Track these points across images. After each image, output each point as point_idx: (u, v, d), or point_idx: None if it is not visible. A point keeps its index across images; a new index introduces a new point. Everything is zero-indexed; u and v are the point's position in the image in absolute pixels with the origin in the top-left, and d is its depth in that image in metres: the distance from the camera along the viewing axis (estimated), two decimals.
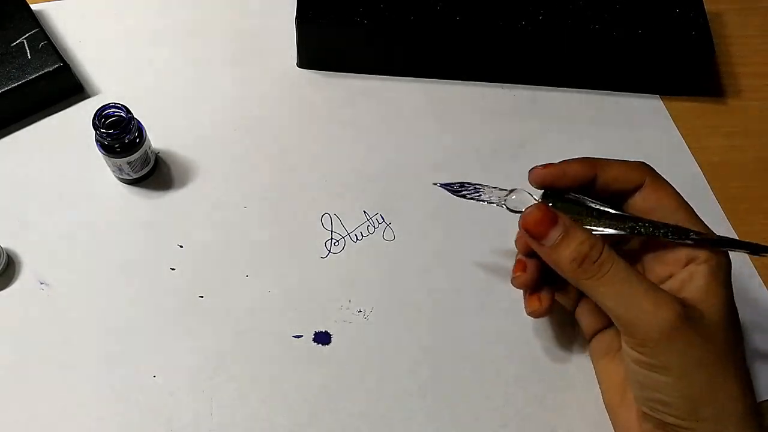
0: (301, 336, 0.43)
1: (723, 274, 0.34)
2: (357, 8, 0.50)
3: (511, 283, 0.40)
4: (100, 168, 0.47)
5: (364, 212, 0.48)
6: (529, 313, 0.40)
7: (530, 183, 0.38)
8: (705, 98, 0.57)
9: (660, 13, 0.52)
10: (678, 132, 0.54)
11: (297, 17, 0.50)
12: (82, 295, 0.43)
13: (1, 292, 0.43)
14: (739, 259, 0.49)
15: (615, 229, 0.35)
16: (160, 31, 0.55)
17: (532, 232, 0.35)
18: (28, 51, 0.48)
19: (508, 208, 0.39)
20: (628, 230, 0.35)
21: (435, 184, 0.41)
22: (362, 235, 0.47)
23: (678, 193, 0.36)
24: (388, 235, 0.48)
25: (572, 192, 0.37)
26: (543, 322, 0.44)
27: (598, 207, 0.36)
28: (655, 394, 0.34)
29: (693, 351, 0.32)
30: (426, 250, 0.47)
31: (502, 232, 0.48)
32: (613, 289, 0.33)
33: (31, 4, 0.52)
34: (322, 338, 0.43)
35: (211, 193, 0.48)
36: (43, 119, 0.50)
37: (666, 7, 0.52)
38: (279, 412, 0.41)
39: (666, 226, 0.34)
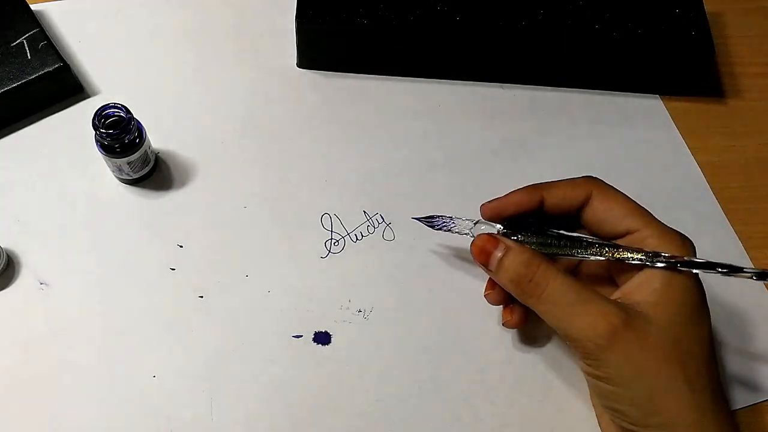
0: (301, 336, 0.43)
1: (680, 277, 0.34)
2: (357, 8, 0.50)
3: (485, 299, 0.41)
4: (100, 168, 0.48)
5: (364, 212, 0.48)
6: (503, 325, 0.41)
7: (482, 217, 0.40)
8: (705, 98, 0.57)
9: (660, 13, 0.52)
10: (678, 132, 0.54)
11: (297, 17, 0.50)
12: (82, 295, 0.43)
13: (1, 292, 0.43)
14: (739, 259, 0.49)
15: (576, 255, 0.36)
16: (161, 31, 0.55)
17: (478, 259, 0.37)
18: (28, 51, 0.48)
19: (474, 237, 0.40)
20: (591, 255, 0.35)
21: (413, 218, 0.44)
22: (362, 235, 0.47)
23: (628, 199, 0.37)
24: (388, 235, 0.48)
25: (532, 219, 0.38)
26: (543, 322, 0.44)
27: (557, 234, 0.37)
28: (609, 403, 0.34)
29: (634, 360, 0.32)
30: (426, 250, 0.47)
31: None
32: (551, 306, 0.34)
33: (31, 4, 0.52)
34: (322, 338, 0.43)
35: (211, 193, 0.48)
36: (43, 119, 0.50)
37: (666, 7, 0.52)
38: (279, 412, 0.41)
39: (629, 249, 0.34)
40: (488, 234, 0.38)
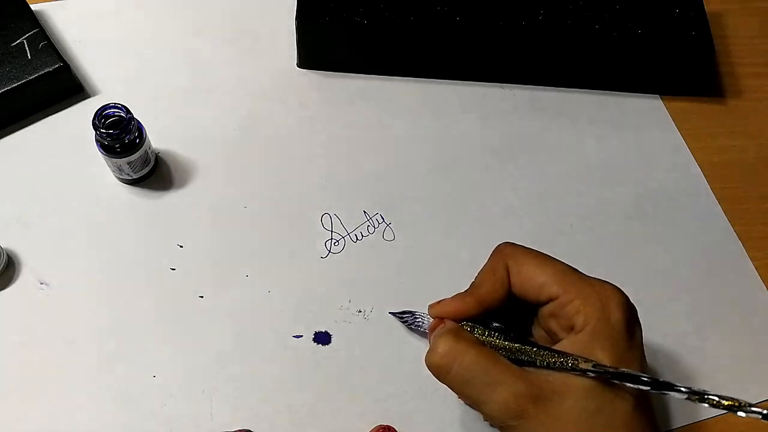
0: (301, 336, 0.43)
1: (604, 337, 0.32)
2: (357, 8, 0.50)
3: None
4: (100, 168, 0.47)
5: (364, 212, 0.48)
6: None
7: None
8: (705, 98, 0.57)
9: (660, 13, 0.52)
10: (678, 132, 0.54)
11: (297, 17, 0.50)
12: (82, 295, 0.43)
13: (1, 292, 0.43)
14: (739, 259, 0.49)
15: (520, 357, 0.34)
16: (160, 31, 0.55)
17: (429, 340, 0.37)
18: (28, 51, 0.48)
19: None
20: (531, 357, 0.34)
21: (390, 312, 0.44)
22: (362, 235, 0.47)
23: (542, 262, 0.35)
24: (388, 235, 0.48)
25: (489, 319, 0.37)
26: None
27: (502, 334, 0.36)
28: None
29: None
30: (426, 250, 0.47)
31: (501, 233, 0.48)
32: (461, 386, 0.33)
33: (31, 4, 0.52)
34: (322, 338, 0.43)
35: (211, 193, 0.48)
36: (43, 119, 0.50)
37: (666, 7, 0.52)
38: (279, 412, 0.41)
39: (565, 355, 0.32)
40: (439, 318, 0.37)
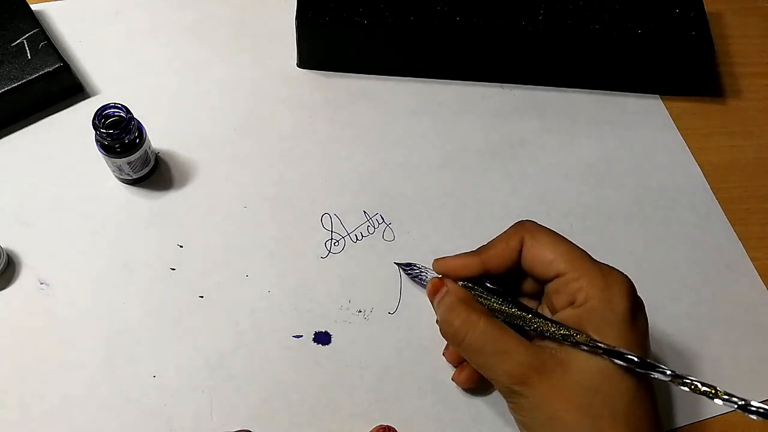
0: (301, 336, 0.43)
1: (605, 319, 0.33)
2: (357, 8, 0.50)
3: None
4: (100, 168, 0.47)
5: (364, 212, 0.48)
6: (453, 380, 0.42)
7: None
8: (705, 98, 0.57)
9: (660, 13, 0.52)
10: (678, 132, 0.54)
11: (297, 17, 0.50)
12: (82, 295, 0.43)
13: (1, 292, 0.43)
14: (739, 259, 0.49)
15: (516, 321, 0.36)
16: (160, 31, 0.55)
17: (430, 300, 0.39)
18: (28, 51, 0.48)
19: None
20: (526, 324, 0.35)
21: (395, 263, 0.46)
22: (362, 235, 0.47)
23: (557, 241, 0.36)
24: (388, 235, 0.48)
25: (489, 280, 0.38)
26: None
27: (505, 299, 0.37)
28: None
29: (545, 407, 0.33)
30: (426, 250, 0.47)
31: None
32: (471, 353, 0.35)
33: (31, 4, 0.52)
34: (322, 338, 0.43)
35: (211, 193, 0.48)
36: (43, 119, 0.50)
37: (666, 7, 0.52)
38: (279, 412, 0.41)
39: (557, 324, 0.34)
40: (439, 278, 0.39)
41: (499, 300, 0.37)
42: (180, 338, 0.42)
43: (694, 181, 0.52)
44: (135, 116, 0.44)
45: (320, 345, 0.43)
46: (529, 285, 0.39)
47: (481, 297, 0.37)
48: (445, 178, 0.50)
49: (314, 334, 0.43)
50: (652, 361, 0.32)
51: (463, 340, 0.35)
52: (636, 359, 0.31)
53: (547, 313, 0.37)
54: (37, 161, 0.48)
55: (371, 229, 0.48)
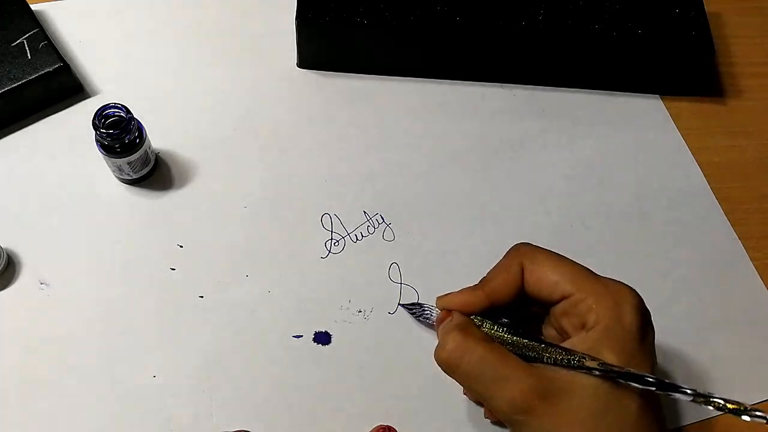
0: (301, 336, 0.43)
1: (616, 338, 0.32)
2: (357, 8, 0.50)
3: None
4: (100, 168, 0.47)
5: (364, 212, 0.48)
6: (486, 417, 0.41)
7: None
8: (705, 98, 0.57)
9: (660, 13, 0.52)
10: (678, 132, 0.54)
11: (297, 17, 0.50)
12: (82, 295, 0.43)
13: (1, 292, 0.43)
14: (739, 259, 0.49)
15: (528, 354, 0.35)
16: (160, 31, 0.55)
17: (437, 333, 0.38)
18: (28, 51, 0.48)
19: None
20: (538, 354, 0.34)
21: (400, 304, 0.45)
22: (362, 235, 0.47)
23: (558, 262, 0.35)
24: (388, 235, 0.48)
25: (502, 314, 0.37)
26: None
27: (510, 329, 0.36)
28: None
29: (542, 428, 0.31)
30: (426, 250, 0.47)
31: (501, 233, 0.48)
32: (470, 381, 0.34)
33: (31, 4, 0.52)
34: (322, 338, 0.43)
35: (211, 193, 0.48)
36: (43, 119, 0.50)
37: (666, 7, 0.52)
38: (279, 412, 0.41)
39: (572, 353, 0.33)
40: (446, 310, 0.38)
41: (509, 331, 0.36)
42: (180, 338, 0.42)
43: (694, 181, 0.52)
44: (135, 116, 0.44)
45: (320, 345, 0.43)
46: (534, 308, 0.37)
47: (491, 330, 0.36)
48: (445, 178, 0.50)
49: (314, 334, 0.43)
50: (672, 382, 0.31)
51: (459, 365, 0.34)
52: (656, 381, 0.31)
53: (553, 335, 0.36)
54: (37, 161, 0.48)
55: (371, 229, 0.48)
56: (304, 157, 0.50)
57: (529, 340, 0.35)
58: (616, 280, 0.34)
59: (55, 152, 0.49)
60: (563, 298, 0.34)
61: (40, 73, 0.48)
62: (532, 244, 0.37)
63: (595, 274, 0.35)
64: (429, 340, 0.43)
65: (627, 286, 0.34)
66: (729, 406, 0.29)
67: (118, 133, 0.43)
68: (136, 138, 0.44)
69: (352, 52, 0.54)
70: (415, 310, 0.43)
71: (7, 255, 0.44)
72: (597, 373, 0.31)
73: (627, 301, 0.33)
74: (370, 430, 0.40)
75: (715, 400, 0.30)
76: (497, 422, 0.41)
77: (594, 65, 0.54)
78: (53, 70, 0.48)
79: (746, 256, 0.49)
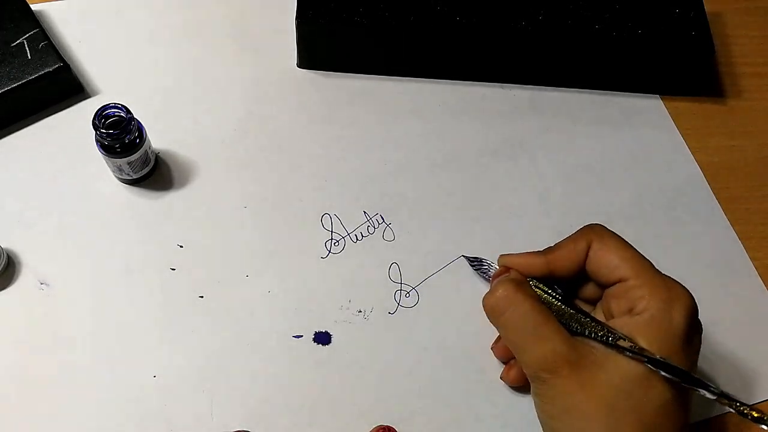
0: (301, 336, 0.43)
1: (661, 332, 0.33)
2: (357, 8, 0.50)
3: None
4: (100, 168, 0.47)
5: (364, 212, 0.48)
6: (501, 378, 0.42)
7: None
8: (705, 98, 0.57)
9: (660, 13, 0.52)
10: (678, 132, 0.54)
11: (297, 17, 0.50)
12: (82, 295, 0.43)
13: (1, 292, 0.43)
14: (739, 259, 0.49)
15: (572, 327, 0.36)
16: (161, 31, 0.55)
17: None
18: (28, 51, 0.48)
19: None
20: (581, 326, 0.35)
21: (463, 256, 0.46)
22: (362, 235, 0.47)
23: (624, 247, 0.36)
24: (388, 235, 0.48)
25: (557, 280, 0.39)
26: None
27: (560, 301, 0.37)
28: (544, 427, 0.36)
29: (570, 398, 0.33)
30: (426, 250, 0.47)
31: (502, 233, 0.48)
32: (508, 332, 0.36)
33: (31, 4, 0.52)
34: (322, 338, 0.43)
35: (211, 193, 0.48)
36: (43, 119, 0.50)
37: (666, 7, 0.52)
38: (279, 412, 0.41)
39: (611, 331, 0.34)
40: (505, 266, 0.40)
41: (558, 300, 0.37)
42: (180, 338, 0.42)
43: (694, 181, 0.52)
44: (135, 116, 0.44)
45: (320, 345, 0.43)
46: (589, 290, 0.39)
47: (543, 294, 0.37)
48: (445, 178, 0.50)
49: (314, 334, 0.43)
50: (700, 378, 0.32)
51: (503, 313, 0.35)
52: (683, 373, 0.31)
53: (601, 317, 0.37)
54: (37, 161, 0.48)
55: (371, 229, 0.48)
56: (304, 157, 0.50)
57: (576, 311, 0.36)
58: (676, 280, 0.35)
59: (55, 152, 0.49)
60: (619, 281, 0.35)
61: (40, 73, 0.48)
62: (605, 227, 0.38)
63: (657, 269, 0.36)
64: (429, 340, 0.43)
65: (685, 288, 0.35)
66: (754, 414, 0.30)
67: (118, 133, 0.43)
68: (136, 138, 0.44)
69: (352, 52, 0.54)
70: (476, 263, 0.45)
71: (7, 255, 0.44)
72: (629, 354, 0.32)
73: (680, 300, 0.34)
74: (370, 430, 0.40)
75: (739, 404, 0.30)
76: (515, 387, 0.42)
77: (594, 65, 0.54)
78: (53, 70, 0.48)
79: (746, 256, 0.49)
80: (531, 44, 0.51)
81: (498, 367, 0.43)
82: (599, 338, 0.34)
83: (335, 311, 0.44)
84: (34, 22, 0.50)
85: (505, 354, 0.42)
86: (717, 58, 0.58)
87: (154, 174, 0.48)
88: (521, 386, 0.42)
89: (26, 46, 0.49)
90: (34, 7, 0.52)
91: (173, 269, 0.45)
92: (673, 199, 0.51)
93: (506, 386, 0.42)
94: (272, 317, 0.44)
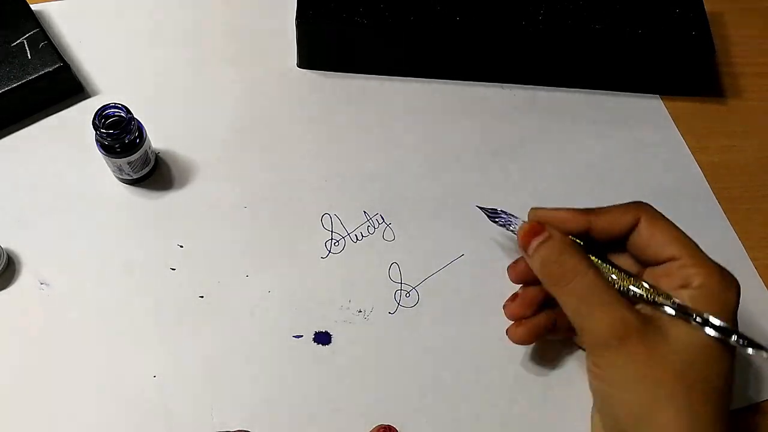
0: (301, 336, 0.43)
1: (717, 304, 0.33)
2: (357, 8, 0.50)
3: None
4: (100, 168, 0.47)
5: (364, 212, 0.48)
6: (507, 332, 0.41)
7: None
8: (705, 98, 0.57)
9: (660, 13, 0.52)
10: (678, 132, 0.54)
11: (297, 17, 0.50)
12: (82, 295, 0.43)
13: (1, 292, 0.43)
14: (739, 259, 0.49)
15: (616, 284, 0.36)
16: (160, 31, 0.55)
17: (521, 241, 0.38)
18: (28, 51, 0.48)
19: None
20: (629, 285, 0.36)
21: (478, 206, 0.44)
22: (362, 235, 0.47)
23: (675, 227, 0.36)
24: (388, 235, 0.48)
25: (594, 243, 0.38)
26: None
27: (602, 258, 0.37)
28: (605, 407, 0.35)
29: (638, 366, 0.33)
30: (427, 250, 0.47)
31: (502, 233, 0.48)
32: (573, 299, 0.35)
33: (31, 4, 0.52)
34: (322, 338, 0.43)
35: (211, 193, 0.48)
36: (43, 119, 0.50)
37: (666, 7, 0.52)
38: (279, 412, 0.41)
39: (665, 294, 0.34)
40: (538, 222, 0.38)
41: (606, 262, 0.36)
42: (180, 338, 0.42)
43: (694, 181, 0.52)
44: (135, 116, 0.44)
45: (320, 345, 0.43)
46: (621, 263, 0.38)
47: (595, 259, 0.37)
48: (445, 178, 0.50)
49: (314, 334, 0.43)
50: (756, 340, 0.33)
51: (570, 282, 0.35)
52: (750, 339, 0.32)
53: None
54: (37, 161, 0.48)
55: (371, 229, 0.48)
56: (304, 157, 0.50)
57: (625, 273, 0.36)
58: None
59: (55, 152, 0.49)
60: (671, 259, 0.35)
61: (40, 73, 0.48)
62: (654, 207, 0.38)
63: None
64: (429, 339, 0.43)
65: (732, 275, 0.35)
66: None
67: (118, 133, 0.43)
68: (136, 138, 0.44)
69: (352, 52, 0.54)
70: (493, 214, 0.43)
71: (7, 255, 0.44)
72: (695, 321, 0.32)
73: (734, 282, 0.34)
74: (370, 430, 0.40)
75: None
76: (516, 388, 0.42)
77: (594, 65, 0.54)
78: (53, 70, 0.48)
79: (746, 256, 0.49)
80: (531, 44, 0.51)
81: (499, 368, 0.43)
82: (664, 304, 0.34)
83: (335, 311, 0.44)
84: (34, 22, 0.50)
85: (518, 312, 0.40)
86: (717, 58, 0.58)
87: (154, 174, 0.48)
88: (520, 385, 0.42)
89: (26, 46, 0.49)
90: (34, 7, 0.52)
91: (173, 269, 0.45)
92: (673, 199, 0.51)
93: (505, 386, 0.42)
94: (272, 317, 0.44)
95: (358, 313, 0.44)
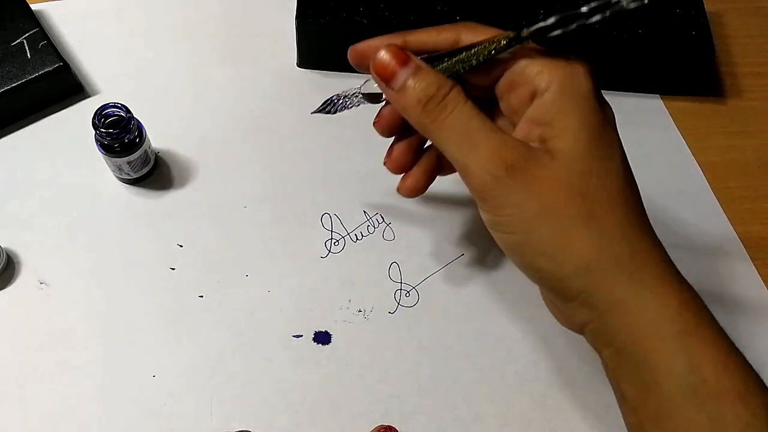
0: (301, 336, 0.43)
1: (575, 98, 0.31)
2: (357, 8, 0.50)
3: (385, 165, 0.38)
4: (100, 168, 0.47)
5: (364, 212, 0.48)
6: (398, 190, 0.38)
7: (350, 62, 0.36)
8: (705, 98, 0.56)
9: (660, 13, 0.52)
10: (678, 132, 0.54)
11: (297, 17, 0.50)
12: (82, 295, 0.43)
13: (1, 291, 0.43)
14: (739, 259, 0.49)
15: (459, 68, 0.32)
16: (160, 31, 0.55)
17: (382, 75, 0.32)
18: (28, 51, 0.48)
19: (366, 95, 0.37)
20: (477, 57, 0.32)
21: (313, 112, 0.40)
22: (362, 235, 0.47)
23: (493, 29, 0.33)
24: (388, 235, 0.48)
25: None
26: (543, 322, 0.44)
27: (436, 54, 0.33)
28: (522, 260, 0.31)
29: (534, 197, 0.29)
30: (427, 250, 0.47)
31: None
32: (452, 133, 0.31)
33: (31, 4, 0.52)
34: (322, 338, 0.43)
35: (211, 193, 0.48)
36: (43, 119, 0.50)
37: (666, 7, 0.52)
38: (279, 412, 0.41)
39: (496, 41, 0.31)
40: (399, 48, 0.32)
41: (442, 61, 0.32)
42: (180, 338, 0.42)
43: (694, 181, 0.52)
44: (135, 116, 0.44)
45: (320, 345, 0.43)
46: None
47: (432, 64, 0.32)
48: (445, 178, 0.50)
49: (314, 334, 0.43)
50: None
51: (449, 116, 0.30)
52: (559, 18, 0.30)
53: (508, 127, 0.33)
54: (37, 161, 0.48)
55: (371, 229, 0.48)
56: (304, 157, 0.50)
57: (457, 52, 0.32)
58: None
59: (55, 152, 0.49)
60: (505, 71, 0.32)
61: (40, 73, 0.48)
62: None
63: None
64: (429, 339, 0.43)
65: (576, 56, 0.31)
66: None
67: (118, 133, 0.43)
68: (135, 138, 0.44)
69: None
70: (326, 105, 0.39)
71: (7, 255, 0.44)
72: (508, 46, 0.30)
73: (581, 66, 0.31)
74: (370, 430, 0.40)
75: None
76: (515, 388, 0.41)
77: (594, 65, 0.53)
78: (53, 69, 0.48)
79: (746, 256, 0.49)
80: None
81: (499, 368, 0.43)
82: (490, 54, 0.31)
83: (335, 311, 0.44)
84: (34, 21, 0.50)
85: (401, 165, 0.37)
86: (717, 58, 0.58)
87: (154, 174, 0.48)
88: (520, 385, 0.42)
89: (26, 45, 0.49)
90: (34, 7, 0.52)
91: (173, 269, 0.45)
92: (673, 199, 0.51)
93: (505, 386, 0.42)
94: (272, 317, 0.44)
95: (357, 313, 0.44)
